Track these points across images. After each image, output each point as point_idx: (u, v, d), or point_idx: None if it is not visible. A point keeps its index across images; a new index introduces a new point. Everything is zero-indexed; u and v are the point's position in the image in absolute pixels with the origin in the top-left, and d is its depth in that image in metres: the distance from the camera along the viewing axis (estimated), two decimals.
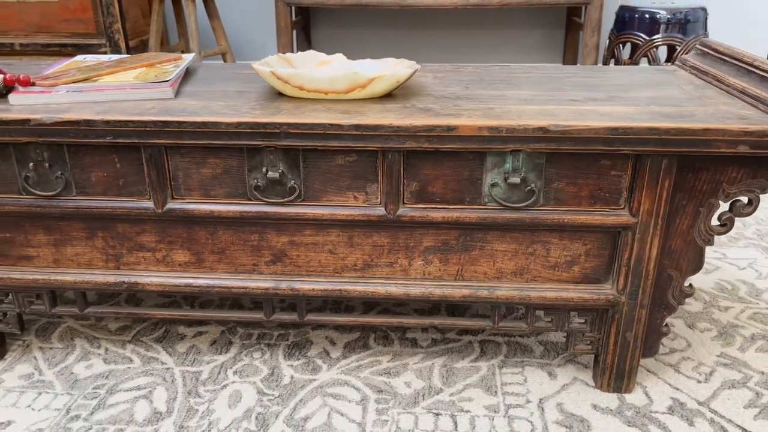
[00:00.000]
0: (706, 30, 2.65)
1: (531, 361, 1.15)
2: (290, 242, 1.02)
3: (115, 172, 0.99)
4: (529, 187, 0.94)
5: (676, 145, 0.88)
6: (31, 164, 0.98)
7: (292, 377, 1.11)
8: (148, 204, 1.00)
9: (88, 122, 0.93)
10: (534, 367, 1.14)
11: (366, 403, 1.05)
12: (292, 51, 2.87)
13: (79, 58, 1.24)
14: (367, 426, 1.00)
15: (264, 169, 0.96)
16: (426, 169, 0.96)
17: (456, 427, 1.00)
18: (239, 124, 0.91)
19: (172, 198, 1.00)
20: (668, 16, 2.56)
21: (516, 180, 0.94)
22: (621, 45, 2.73)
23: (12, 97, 0.99)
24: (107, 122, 0.93)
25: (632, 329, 1.03)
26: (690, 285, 1.02)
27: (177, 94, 1.06)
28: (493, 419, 1.01)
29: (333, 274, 1.04)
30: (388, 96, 1.04)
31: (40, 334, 1.23)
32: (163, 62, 1.19)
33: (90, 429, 0.99)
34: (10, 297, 1.10)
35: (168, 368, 1.13)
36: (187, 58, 1.24)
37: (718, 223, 0.98)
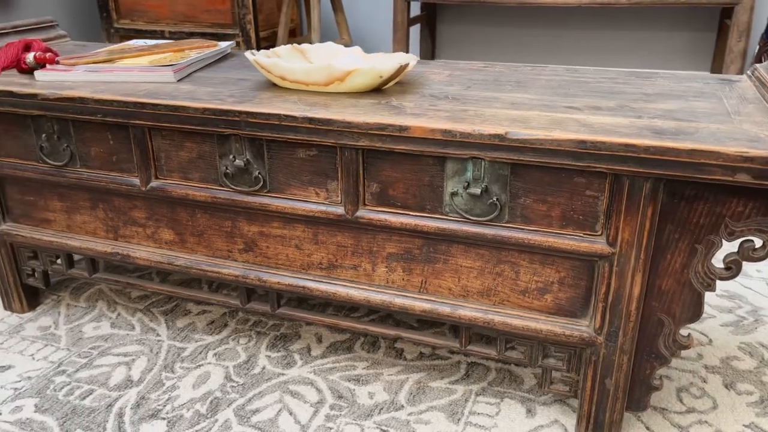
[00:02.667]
0: None
1: (514, 394, 1.04)
2: (260, 233, 1.02)
3: (109, 149, 1.05)
4: (491, 200, 0.85)
5: (659, 166, 0.74)
6: (44, 135, 1.08)
7: (263, 368, 1.11)
8: (135, 180, 1.05)
9: (82, 99, 0.99)
10: (515, 400, 1.03)
11: (320, 406, 1.01)
12: (407, 46, 2.86)
13: (133, 42, 1.33)
14: (309, 430, 0.96)
15: (231, 157, 0.96)
16: (386, 171, 0.90)
17: None
18: (204, 110, 0.92)
19: (156, 177, 1.04)
20: None
21: (476, 191, 0.85)
22: None
23: (37, 74, 1.09)
24: (97, 101, 0.98)
25: (611, 376, 0.88)
26: (689, 335, 0.86)
27: (184, 78, 1.09)
28: None
29: (300, 269, 1.02)
30: (375, 91, 0.99)
31: (73, 293, 1.35)
32: (193, 48, 1.24)
33: (68, 385, 1.07)
34: (37, 256, 1.22)
35: (160, 341, 1.18)
36: (222, 45, 1.28)
37: (722, 266, 0.81)
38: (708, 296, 1.30)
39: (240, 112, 0.90)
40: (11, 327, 1.23)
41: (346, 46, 3.03)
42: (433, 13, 3.19)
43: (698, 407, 1.01)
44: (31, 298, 1.29)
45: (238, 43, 3.12)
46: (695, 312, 0.83)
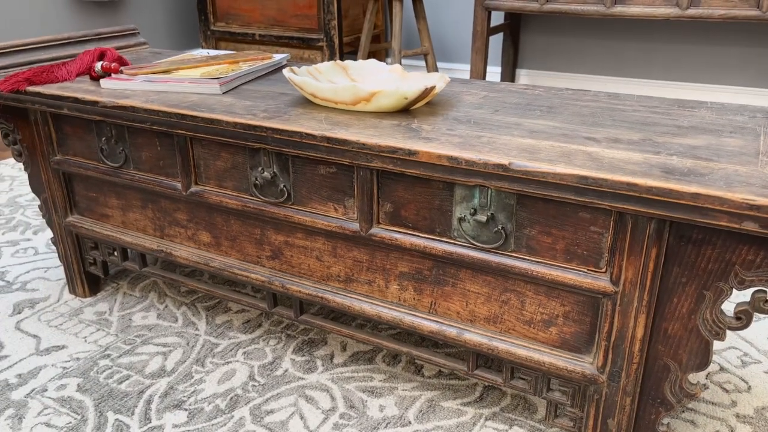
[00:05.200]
0: None
1: (524, 422, 1.03)
2: (285, 242, 1.06)
3: (156, 154, 1.13)
4: (497, 228, 0.85)
5: (662, 207, 0.72)
6: (104, 138, 1.17)
7: (286, 371, 1.15)
8: (178, 185, 1.12)
9: (134, 108, 1.08)
10: (524, 429, 1.01)
11: (331, 414, 1.05)
12: (486, 55, 2.84)
13: (195, 51, 1.42)
14: None
15: (260, 169, 1.02)
16: (399, 192, 0.92)
17: None
18: (236, 124, 0.98)
19: (195, 183, 1.11)
20: None
21: (482, 218, 0.85)
22: None
23: (103, 82, 1.19)
24: (146, 110, 1.06)
25: (614, 417, 0.86)
26: (698, 383, 0.82)
27: (231, 90, 1.16)
28: None
29: (319, 280, 1.06)
30: (403, 111, 1.01)
31: (132, 282, 1.46)
32: (247, 60, 1.30)
33: (110, 368, 1.16)
34: (97, 247, 1.33)
35: (197, 335, 1.26)
36: (277, 58, 1.34)
37: (733, 315, 0.77)
38: (756, 339, 1.22)
39: (267, 128, 0.95)
40: (72, 310, 1.35)
41: (426, 54, 3.06)
42: (517, 23, 3.15)
43: None
44: (93, 285, 1.41)
45: (321, 48, 3.22)
46: (703, 360, 0.79)
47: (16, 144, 1.32)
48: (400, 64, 3.11)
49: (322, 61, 3.24)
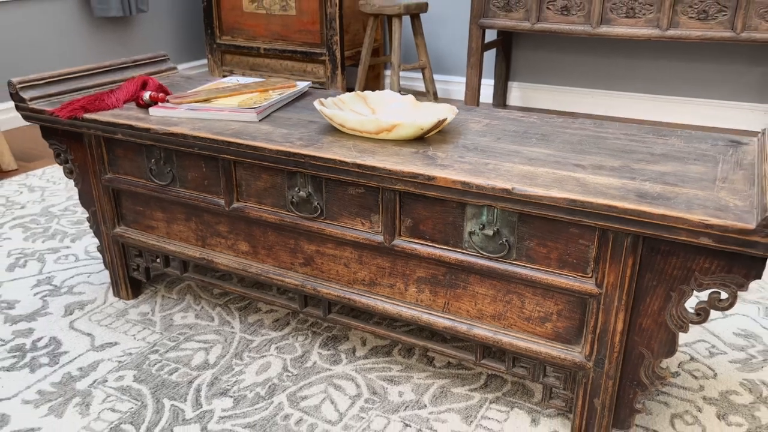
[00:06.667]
0: None
1: (523, 405, 1.20)
2: (317, 251, 1.23)
3: (202, 174, 1.29)
4: (502, 241, 1.02)
5: (637, 225, 0.89)
6: (153, 160, 1.34)
7: (314, 363, 1.32)
8: (221, 201, 1.29)
9: (183, 135, 1.24)
10: (523, 410, 1.19)
11: (357, 399, 1.22)
12: (481, 70, 3.02)
13: (227, 79, 1.58)
14: (345, 417, 1.17)
15: (297, 189, 1.18)
16: (418, 209, 1.09)
17: None
18: (278, 151, 1.14)
19: (237, 200, 1.27)
20: None
21: (489, 232, 1.02)
22: None
23: (151, 110, 1.35)
24: (194, 137, 1.23)
25: (599, 397, 1.04)
26: (667, 368, 0.99)
27: (266, 117, 1.32)
28: None
29: (347, 284, 1.22)
30: (419, 139, 1.18)
31: (168, 286, 1.62)
32: (276, 89, 1.47)
33: (159, 362, 1.32)
34: (141, 255, 1.49)
35: (233, 332, 1.42)
36: (300, 86, 1.50)
37: (694, 312, 0.94)
38: (722, 333, 1.41)
39: (305, 155, 1.12)
40: (119, 311, 1.51)
41: (423, 68, 3.23)
42: (509, 40, 3.33)
43: None
44: (135, 289, 1.57)
45: (324, 62, 3.38)
46: (670, 349, 0.97)
47: (68, 163, 1.48)
48: (399, 77, 3.28)
49: (325, 73, 3.41)
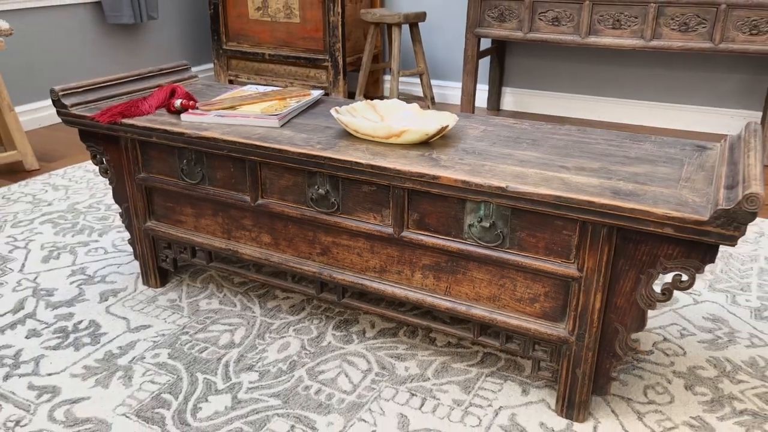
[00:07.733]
0: None
1: (515, 378, 1.36)
2: (333, 242, 1.39)
3: (230, 174, 1.45)
4: (497, 232, 1.18)
5: (611, 218, 1.06)
6: (185, 161, 1.49)
7: (329, 342, 1.48)
8: (247, 198, 1.44)
9: (214, 139, 1.39)
10: (515, 382, 1.35)
11: (368, 373, 1.37)
12: (476, 76, 3.18)
13: (247, 87, 1.74)
14: (359, 388, 1.33)
15: (316, 186, 1.34)
16: (424, 205, 1.25)
17: (422, 405, 1.28)
18: (300, 153, 1.30)
19: (261, 197, 1.43)
20: None
21: (486, 224, 1.18)
22: None
23: (183, 116, 1.51)
24: (225, 141, 1.38)
25: (580, 367, 1.20)
26: (636, 340, 1.16)
27: (286, 123, 1.48)
28: (452, 408, 1.27)
29: (359, 271, 1.38)
30: (424, 144, 1.34)
31: (192, 275, 1.78)
32: (293, 97, 1.63)
33: (190, 342, 1.48)
34: (170, 247, 1.65)
35: (254, 316, 1.58)
36: (314, 94, 1.66)
37: (660, 292, 1.11)
38: (693, 317, 1.57)
39: (324, 158, 1.28)
40: (149, 298, 1.66)
41: (421, 74, 3.40)
42: (503, 48, 3.50)
43: (658, 401, 1.30)
44: (162, 278, 1.72)
45: (326, 67, 3.54)
46: (640, 324, 1.14)
47: (104, 163, 1.63)
48: (398, 82, 3.44)
49: (327, 78, 3.56)
